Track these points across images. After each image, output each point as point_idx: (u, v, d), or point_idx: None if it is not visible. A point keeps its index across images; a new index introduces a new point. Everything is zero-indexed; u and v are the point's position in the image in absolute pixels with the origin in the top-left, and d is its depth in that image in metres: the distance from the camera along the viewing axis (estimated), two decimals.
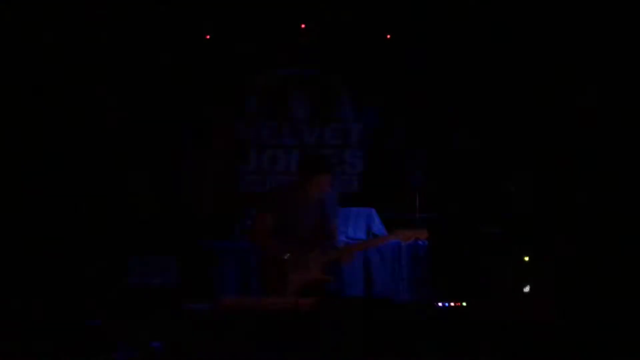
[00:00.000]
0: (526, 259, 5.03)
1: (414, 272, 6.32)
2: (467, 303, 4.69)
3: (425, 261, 6.33)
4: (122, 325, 4.47)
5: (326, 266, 4.85)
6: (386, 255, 6.23)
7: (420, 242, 6.16)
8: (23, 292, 5.83)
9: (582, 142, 6.66)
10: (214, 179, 7.27)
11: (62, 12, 6.41)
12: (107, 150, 6.75)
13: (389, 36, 7.16)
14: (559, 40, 6.55)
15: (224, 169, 7.32)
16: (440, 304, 4.66)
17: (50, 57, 6.47)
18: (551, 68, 6.67)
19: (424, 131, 7.22)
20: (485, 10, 6.80)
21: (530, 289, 4.65)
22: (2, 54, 6.27)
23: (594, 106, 6.54)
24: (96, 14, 6.58)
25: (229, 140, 7.32)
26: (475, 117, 7.08)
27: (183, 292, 5.67)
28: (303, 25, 6.98)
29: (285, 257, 4.62)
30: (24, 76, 6.42)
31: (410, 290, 6.08)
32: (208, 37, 7.04)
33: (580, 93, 6.57)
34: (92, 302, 5.58)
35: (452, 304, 4.69)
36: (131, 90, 6.90)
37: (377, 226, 6.79)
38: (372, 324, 4.20)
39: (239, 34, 7.02)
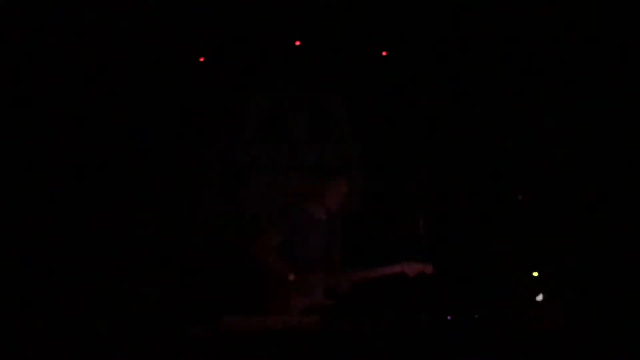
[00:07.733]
0: (535, 274, 5.00)
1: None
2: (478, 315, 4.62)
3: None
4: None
5: (330, 290, 4.79)
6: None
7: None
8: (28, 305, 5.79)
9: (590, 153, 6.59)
10: (212, 202, 7.19)
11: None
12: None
13: (384, 53, 7.10)
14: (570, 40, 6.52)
15: (221, 192, 7.24)
16: (449, 317, 4.59)
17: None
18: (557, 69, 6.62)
19: (427, 149, 7.13)
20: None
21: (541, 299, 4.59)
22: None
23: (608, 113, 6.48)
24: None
25: (226, 163, 7.25)
26: (481, 131, 6.98)
27: (182, 315, 5.59)
28: (298, 43, 6.94)
29: (290, 278, 4.57)
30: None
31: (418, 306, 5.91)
32: (202, 59, 6.99)
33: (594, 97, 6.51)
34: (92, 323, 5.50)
35: (463, 317, 4.62)
36: (127, 117, 6.83)
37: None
38: (380, 343, 4.11)
39: (233, 55, 6.96)
